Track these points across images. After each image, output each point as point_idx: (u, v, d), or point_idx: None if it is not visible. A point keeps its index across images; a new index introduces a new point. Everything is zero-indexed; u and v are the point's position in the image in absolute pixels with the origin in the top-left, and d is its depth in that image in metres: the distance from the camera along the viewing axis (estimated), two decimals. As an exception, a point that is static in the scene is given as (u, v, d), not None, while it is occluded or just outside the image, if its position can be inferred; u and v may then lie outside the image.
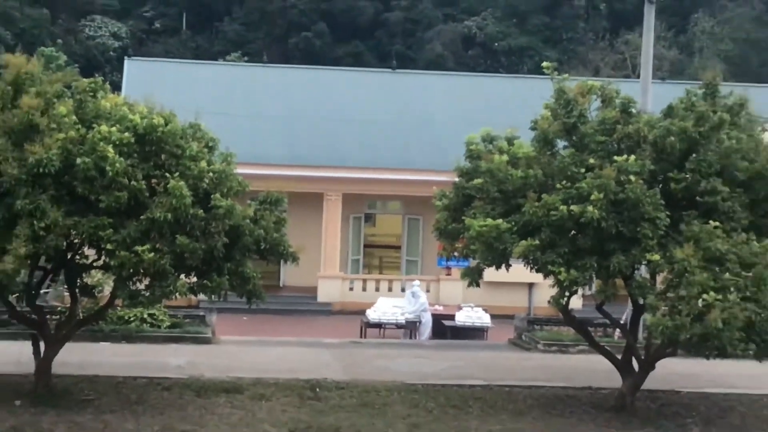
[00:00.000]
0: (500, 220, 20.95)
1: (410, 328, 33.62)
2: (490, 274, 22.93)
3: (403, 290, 38.60)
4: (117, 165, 19.05)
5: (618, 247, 20.53)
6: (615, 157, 20.77)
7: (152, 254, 19.08)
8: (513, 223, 20.97)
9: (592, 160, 21.06)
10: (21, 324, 23.09)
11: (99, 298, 22.88)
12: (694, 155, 21.13)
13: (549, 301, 22.07)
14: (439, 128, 43.84)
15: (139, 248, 19.06)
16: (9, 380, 22.48)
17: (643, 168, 20.62)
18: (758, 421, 22.88)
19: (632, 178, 20.28)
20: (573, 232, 20.75)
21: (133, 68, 47.79)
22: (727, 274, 19.42)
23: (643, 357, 22.81)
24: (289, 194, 22.55)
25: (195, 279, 20.68)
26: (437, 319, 34.07)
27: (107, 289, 21.76)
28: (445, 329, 33.72)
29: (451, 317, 34.01)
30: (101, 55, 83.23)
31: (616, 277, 21.27)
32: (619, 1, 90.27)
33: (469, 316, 33.68)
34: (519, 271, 22.42)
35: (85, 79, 21.76)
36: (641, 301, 21.76)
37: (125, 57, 51.89)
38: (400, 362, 26.46)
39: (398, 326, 33.56)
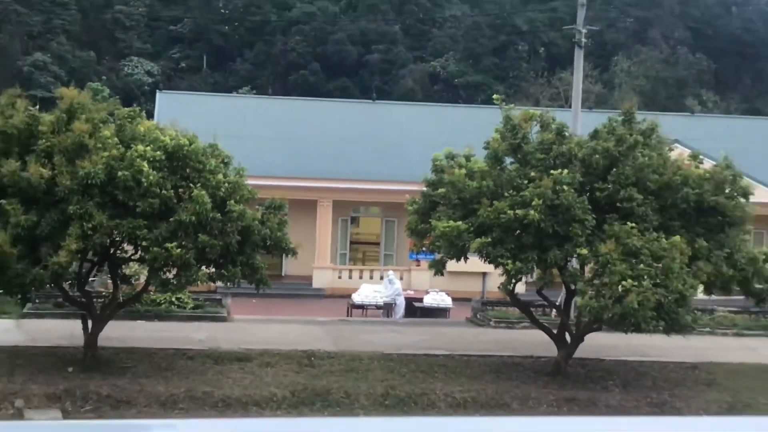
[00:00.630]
0: (460, 222, 20.99)
1: (387, 308, 33.53)
2: (451, 265, 22.97)
3: (381, 278, 38.49)
4: (150, 177, 19.03)
5: (554, 243, 20.59)
6: (551, 171, 20.82)
7: (179, 250, 19.06)
8: (470, 225, 20.99)
9: (533, 173, 21.11)
10: (72, 306, 22.97)
11: (136, 285, 22.83)
12: (614, 169, 21.21)
13: (499, 287, 22.15)
14: (410, 148, 43.70)
15: (168, 245, 19.06)
16: (63, 352, 22.40)
17: (573, 180, 20.68)
18: (667, 384, 22.95)
19: (565, 187, 20.34)
20: (518, 231, 20.80)
21: (163, 100, 47.52)
22: (641, 265, 19.51)
23: (574, 332, 22.86)
24: (289, 201, 22.52)
25: (213, 269, 20.66)
26: (409, 301, 33.99)
27: (142, 278, 21.68)
28: (415, 310, 33.64)
29: (420, 300, 33.94)
30: (137, 89, 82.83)
31: (553, 267, 21.34)
32: (555, 45, 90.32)
33: (435, 299, 33.63)
34: (475, 263, 22.48)
35: (124, 108, 21.73)
36: (573, 287, 21.84)
37: (157, 90, 51.61)
38: (379, 336, 26.40)
39: (377, 307, 33.47)
